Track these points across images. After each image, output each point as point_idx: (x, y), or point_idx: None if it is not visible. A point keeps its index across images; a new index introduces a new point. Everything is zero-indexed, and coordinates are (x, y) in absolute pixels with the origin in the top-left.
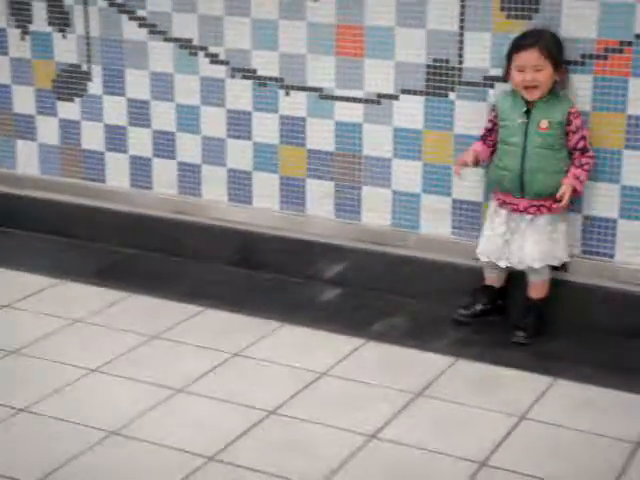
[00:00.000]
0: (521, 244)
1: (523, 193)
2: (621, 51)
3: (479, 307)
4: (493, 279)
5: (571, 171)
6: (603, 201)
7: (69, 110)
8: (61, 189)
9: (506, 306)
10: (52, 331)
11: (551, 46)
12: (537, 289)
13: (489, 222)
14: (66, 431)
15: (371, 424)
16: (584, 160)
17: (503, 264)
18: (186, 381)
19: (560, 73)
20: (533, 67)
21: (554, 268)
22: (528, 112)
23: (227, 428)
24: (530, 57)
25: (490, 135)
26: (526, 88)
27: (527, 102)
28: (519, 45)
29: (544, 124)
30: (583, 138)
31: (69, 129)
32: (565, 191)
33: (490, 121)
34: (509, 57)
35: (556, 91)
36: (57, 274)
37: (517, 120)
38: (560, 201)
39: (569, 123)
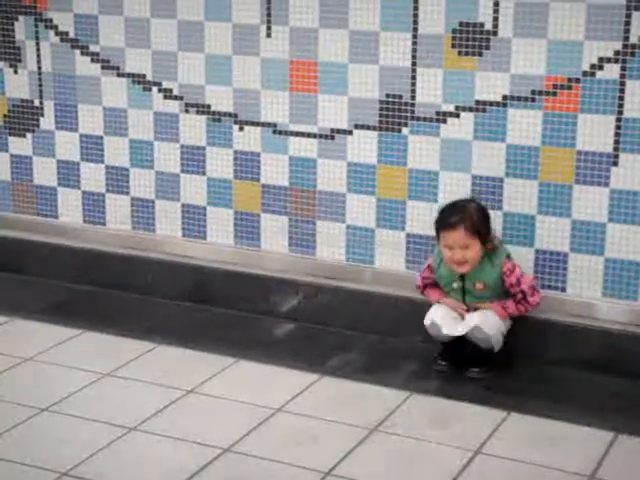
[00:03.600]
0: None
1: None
2: (570, 87)
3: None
4: (445, 338)
5: (506, 301)
6: (555, 235)
7: (21, 145)
8: (13, 225)
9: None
10: (2, 370)
11: (477, 222)
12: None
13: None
14: (16, 472)
15: (326, 460)
16: (522, 302)
17: (448, 332)
18: (139, 419)
19: (489, 244)
20: (461, 246)
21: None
22: (462, 276)
23: (181, 466)
24: (456, 237)
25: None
26: (455, 264)
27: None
28: (445, 224)
29: (479, 286)
30: (521, 292)
31: (21, 164)
32: (485, 308)
33: (427, 277)
34: (437, 232)
35: (487, 255)
36: (8, 311)
37: (452, 285)
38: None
39: (504, 282)
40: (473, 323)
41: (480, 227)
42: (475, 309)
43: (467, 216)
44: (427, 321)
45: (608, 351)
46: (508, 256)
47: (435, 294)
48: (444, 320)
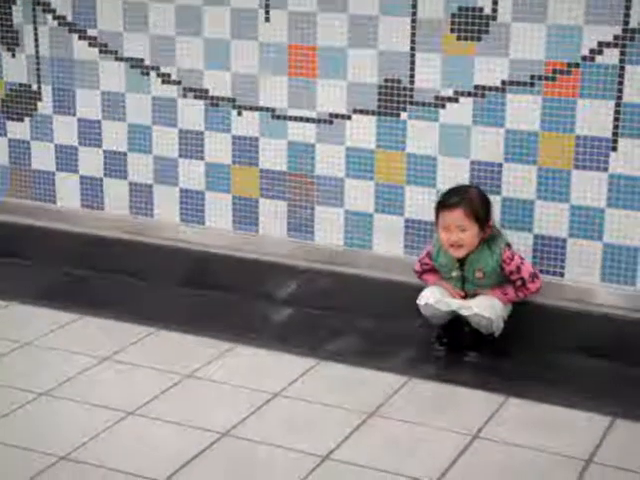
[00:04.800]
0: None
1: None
2: (569, 72)
3: (447, 339)
4: (441, 322)
5: (505, 286)
6: (553, 220)
7: (18, 130)
8: (11, 210)
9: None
10: (1, 354)
11: (476, 206)
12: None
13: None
14: (15, 457)
15: (324, 445)
16: (522, 289)
17: (445, 307)
18: (138, 403)
19: (487, 231)
20: (458, 227)
21: (478, 337)
22: (462, 263)
23: (180, 451)
24: (454, 217)
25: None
26: (452, 246)
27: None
28: (444, 204)
29: (479, 274)
30: (520, 279)
31: (19, 149)
32: (485, 294)
33: (426, 264)
34: (436, 213)
35: (486, 242)
36: (6, 296)
37: (452, 273)
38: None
39: (503, 269)
40: (474, 306)
41: (479, 211)
42: (474, 295)
43: (467, 199)
44: (421, 301)
45: (606, 336)
46: (507, 245)
47: (432, 279)
48: (439, 299)
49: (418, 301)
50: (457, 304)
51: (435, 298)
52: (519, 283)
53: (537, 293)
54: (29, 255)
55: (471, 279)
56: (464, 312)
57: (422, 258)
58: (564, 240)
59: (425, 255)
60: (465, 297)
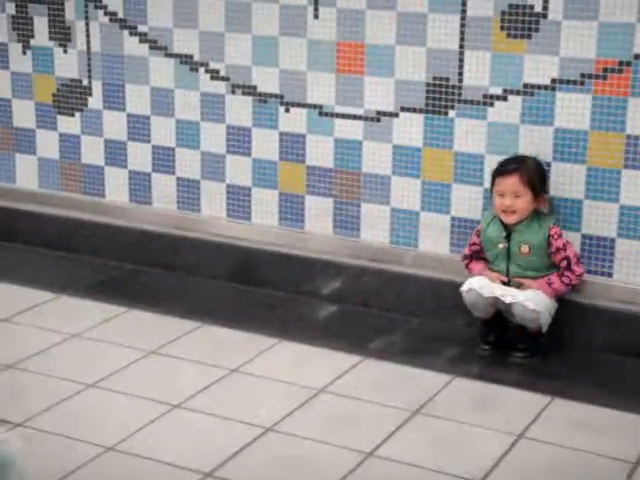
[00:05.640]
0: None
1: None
2: (620, 71)
3: (492, 337)
4: (484, 314)
5: (550, 276)
6: (602, 220)
7: (69, 125)
8: (60, 203)
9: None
10: (50, 346)
11: (532, 174)
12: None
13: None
14: (62, 447)
15: (368, 441)
16: (566, 273)
17: (488, 293)
18: (184, 397)
19: (540, 201)
20: (512, 193)
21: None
22: (509, 236)
23: (224, 444)
24: (510, 183)
25: (477, 253)
26: (504, 212)
27: (506, 226)
28: (501, 170)
29: (525, 249)
30: (566, 259)
31: (69, 143)
32: (527, 284)
33: (475, 244)
34: (493, 180)
35: (537, 214)
36: (55, 288)
37: (498, 245)
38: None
39: (550, 245)
40: (521, 297)
41: (534, 180)
42: (518, 286)
43: (524, 166)
44: (464, 287)
45: None
46: (557, 221)
47: (478, 267)
48: (483, 284)
49: (462, 288)
50: (501, 290)
51: (479, 284)
52: (564, 263)
53: (580, 281)
54: (78, 248)
55: (517, 254)
56: (508, 299)
57: (471, 240)
58: (613, 240)
59: (474, 234)
60: (509, 284)
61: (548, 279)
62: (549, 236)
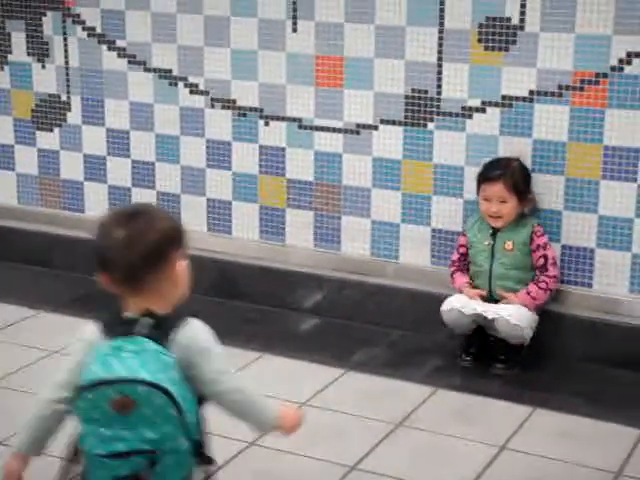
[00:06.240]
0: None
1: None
2: (597, 82)
3: (474, 349)
4: (466, 331)
5: (528, 286)
6: (581, 231)
7: (48, 140)
8: (40, 219)
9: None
10: (30, 362)
11: (517, 179)
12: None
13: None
14: (45, 465)
15: (351, 454)
16: (542, 278)
17: (469, 311)
18: None
19: (526, 203)
20: (498, 199)
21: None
22: (494, 234)
23: None
24: (495, 190)
25: (465, 260)
26: (491, 217)
27: (493, 227)
28: (486, 176)
29: (509, 245)
30: (544, 257)
31: (48, 159)
32: (510, 299)
33: (462, 246)
34: (478, 184)
35: (523, 215)
36: (35, 304)
37: (484, 242)
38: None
39: (532, 241)
40: (503, 312)
41: (519, 185)
42: (498, 301)
43: (508, 172)
44: (445, 307)
45: (634, 348)
46: (540, 222)
47: (460, 281)
48: (465, 303)
49: (443, 307)
50: (483, 307)
51: (461, 302)
52: (541, 262)
53: (556, 285)
54: (57, 264)
55: (501, 251)
56: (491, 315)
57: (458, 242)
58: (592, 250)
59: (460, 236)
60: (490, 293)
61: (527, 290)
62: (533, 232)
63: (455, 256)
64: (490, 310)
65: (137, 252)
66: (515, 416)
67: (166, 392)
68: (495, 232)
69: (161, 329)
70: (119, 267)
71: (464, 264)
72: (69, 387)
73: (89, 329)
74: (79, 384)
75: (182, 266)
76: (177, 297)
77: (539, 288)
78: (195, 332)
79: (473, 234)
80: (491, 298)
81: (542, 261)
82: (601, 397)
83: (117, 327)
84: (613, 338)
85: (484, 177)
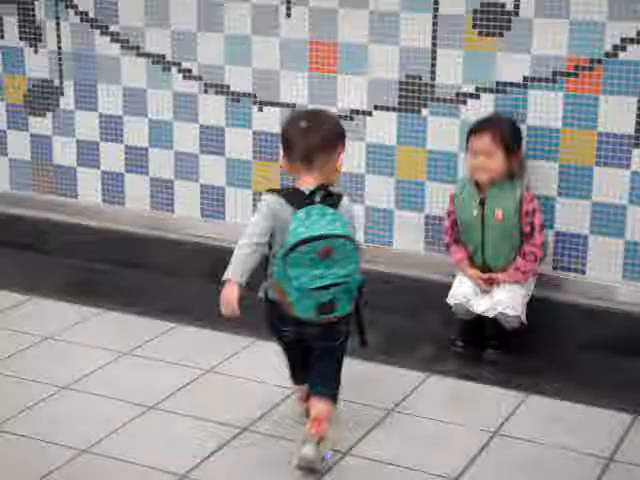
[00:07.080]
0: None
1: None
2: (592, 69)
3: (469, 335)
4: (468, 316)
5: (516, 261)
6: (574, 218)
7: (41, 125)
8: (32, 204)
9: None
10: (22, 348)
11: (505, 133)
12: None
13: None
14: (35, 450)
15: (344, 441)
16: (528, 249)
17: (474, 309)
18: (157, 398)
19: (513, 161)
20: (484, 152)
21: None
22: (483, 203)
23: (199, 445)
24: (482, 142)
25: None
26: (476, 170)
27: (481, 189)
28: (474, 128)
29: (498, 214)
30: (530, 224)
31: (41, 144)
32: (499, 279)
33: (453, 212)
34: (467, 138)
35: (510, 177)
36: (27, 290)
37: (472, 212)
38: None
39: (521, 207)
40: (500, 307)
41: (508, 140)
42: (491, 281)
43: (497, 125)
44: (451, 301)
45: (627, 333)
46: (528, 188)
47: (457, 256)
48: (469, 298)
49: (448, 300)
50: (483, 308)
51: (464, 295)
52: (528, 228)
53: (544, 253)
54: (50, 249)
55: (491, 222)
56: (491, 314)
57: (447, 209)
58: (586, 237)
59: (450, 202)
60: (488, 281)
61: (516, 266)
62: (522, 198)
63: (447, 223)
64: (490, 310)
65: (315, 137)
66: (508, 402)
67: (352, 241)
68: (483, 200)
69: (332, 199)
70: (300, 148)
71: (458, 234)
72: (260, 237)
73: (272, 198)
74: (298, 238)
75: (341, 157)
76: (334, 180)
77: (527, 261)
78: (349, 202)
79: (460, 204)
80: (484, 265)
81: (529, 228)
82: (594, 383)
83: (297, 197)
84: (606, 324)
85: (472, 129)
